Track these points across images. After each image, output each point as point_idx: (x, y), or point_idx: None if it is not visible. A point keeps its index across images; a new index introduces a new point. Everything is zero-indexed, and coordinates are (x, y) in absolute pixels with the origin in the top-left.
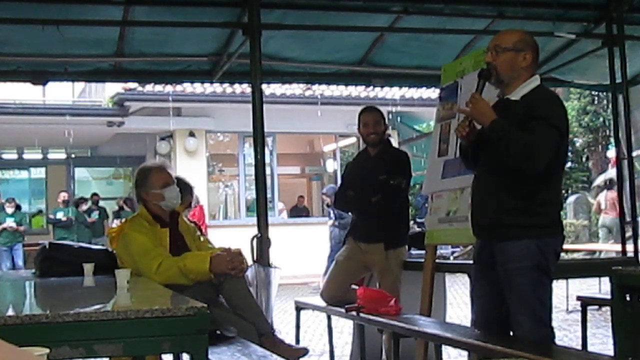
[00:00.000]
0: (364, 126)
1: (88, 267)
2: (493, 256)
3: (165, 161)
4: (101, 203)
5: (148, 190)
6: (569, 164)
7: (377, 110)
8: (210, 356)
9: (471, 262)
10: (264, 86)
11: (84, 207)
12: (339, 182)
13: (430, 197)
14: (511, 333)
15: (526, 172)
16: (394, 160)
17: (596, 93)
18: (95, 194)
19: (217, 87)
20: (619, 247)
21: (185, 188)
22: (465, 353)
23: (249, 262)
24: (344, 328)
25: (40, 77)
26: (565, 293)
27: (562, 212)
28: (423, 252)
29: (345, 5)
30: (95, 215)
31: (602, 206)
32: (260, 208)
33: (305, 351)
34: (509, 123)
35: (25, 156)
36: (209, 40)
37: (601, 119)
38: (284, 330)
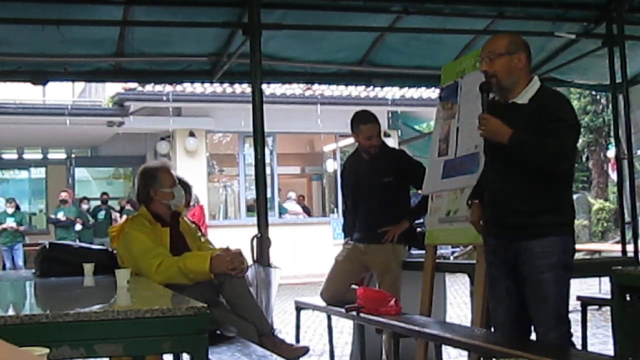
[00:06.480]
0: (367, 139)
1: (88, 267)
2: (517, 255)
3: (167, 161)
4: None
5: (158, 189)
6: None
7: (376, 119)
8: (210, 356)
9: (471, 262)
10: (264, 86)
11: (86, 207)
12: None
13: (431, 197)
14: (532, 329)
15: (556, 174)
16: (389, 160)
17: (596, 93)
18: (105, 193)
19: (217, 87)
20: (619, 247)
21: (185, 188)
22: (465, 353)
23: (249, 262)
24: (344, 328)
25: (40, 77)
26: None
27: None
28: (423, 252)
29: (345, 5)
30: (101, 215)
31: None
32: (260, 208)
33: (305, 350)
34: (521, 127)
35: (25, 156)
36: (209, 40)
37: (601, 119)
38: (284, 330)
